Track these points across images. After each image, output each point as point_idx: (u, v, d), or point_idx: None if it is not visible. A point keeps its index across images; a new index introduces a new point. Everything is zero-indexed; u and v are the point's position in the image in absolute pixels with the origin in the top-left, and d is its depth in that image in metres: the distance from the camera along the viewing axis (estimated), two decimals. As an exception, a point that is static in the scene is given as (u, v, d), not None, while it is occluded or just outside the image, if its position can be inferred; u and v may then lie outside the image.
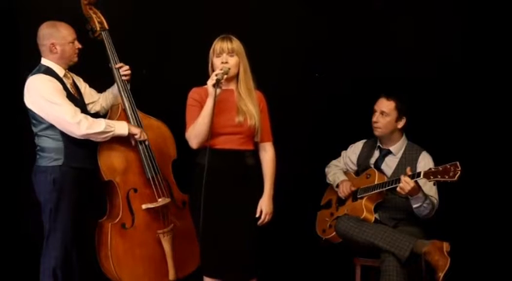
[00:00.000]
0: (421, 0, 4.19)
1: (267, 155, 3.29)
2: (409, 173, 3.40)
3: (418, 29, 4.18)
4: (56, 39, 3.41)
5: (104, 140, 3.42)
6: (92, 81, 3.72)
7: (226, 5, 4.21)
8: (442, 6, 4.16)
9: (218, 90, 3.06)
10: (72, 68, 3.55)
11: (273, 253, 3.96)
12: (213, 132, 3.11)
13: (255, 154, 3.29)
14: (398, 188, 3.39)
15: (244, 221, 3.19)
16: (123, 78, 3.61)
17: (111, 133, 3.41)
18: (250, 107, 3.19)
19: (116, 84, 3.64)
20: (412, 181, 3.35)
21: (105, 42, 3.62)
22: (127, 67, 3.64)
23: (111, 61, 3.62)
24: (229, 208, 3.16)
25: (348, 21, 4.28)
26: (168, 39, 4.29)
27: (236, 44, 3.18)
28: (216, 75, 3.05)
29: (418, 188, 3.39)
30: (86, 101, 3.61)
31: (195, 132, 3.12)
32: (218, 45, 3.17)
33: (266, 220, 3.22)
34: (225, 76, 3.09)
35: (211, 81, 3.06)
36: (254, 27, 4.12)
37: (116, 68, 3.60)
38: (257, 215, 3.20)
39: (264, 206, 3.21)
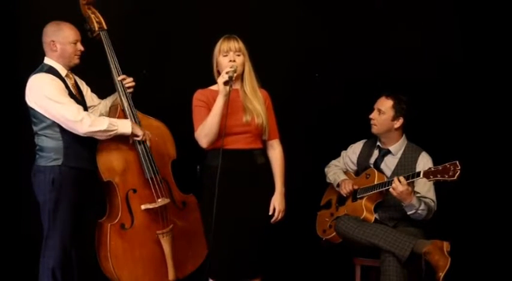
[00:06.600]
0: (421, 0, 4.18)
1: (276, 153, 3.28)
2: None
3: (418, 29, 4.18)
4: (57, 38, 3.41)
5: (107, 138, 3.41)
6: (92, 81, 3.71)
7: (226, 5, 4.20)
8: (442, 6, 4.15)
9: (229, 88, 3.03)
10: (73, 69, 3.53)
11: (274, 253, 3.94)
12: (221, 132, 3.09)
13: (264, 152, 3.27)
14: (390, 189, 3.39)
15: (256, 221, 3.17)
16: (128, 90, 3.58)
17: (114, 132, 3.40)
18: (257, 105, 3.18)
19: (115, 87, 3.61)
20: (406, 182, 3.34)
21: (104, 42, 3.60)
22: (130, 79, 3.60)
23: (113, 72, 3.58)
24: (242, 208, 3.14)
25: (348, 21, 4.28)
26: (168, 39, 4.29)
27: (241, 44, 3.18)
28: (227, 72, 3.03)
29: (411, 193, 3.37)
30: (87, 105, 3.60)
31: (205, 131, 3.10)
32: (225, 44, 3.16)
33: (279, 217, 3.21)
34: (235, 74, 3.07)
35: (222, 79, 3.03)
36: (254, 27, 4.11)
37: (118, 81, 3.57)
38: (270, 213, 3.19)
39: (277, 203, 3.21)
